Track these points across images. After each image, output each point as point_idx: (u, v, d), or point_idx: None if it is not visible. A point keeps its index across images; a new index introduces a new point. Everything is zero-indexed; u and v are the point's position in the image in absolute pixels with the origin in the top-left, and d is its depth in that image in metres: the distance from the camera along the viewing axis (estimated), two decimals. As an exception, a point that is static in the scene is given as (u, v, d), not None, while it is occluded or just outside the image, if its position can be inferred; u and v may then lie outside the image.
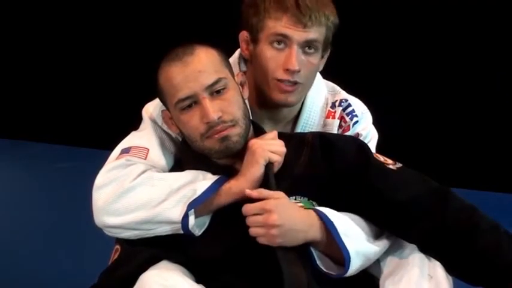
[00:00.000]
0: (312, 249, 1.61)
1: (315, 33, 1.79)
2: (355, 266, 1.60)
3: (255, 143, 1.65)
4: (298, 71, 1.79)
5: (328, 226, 1.60)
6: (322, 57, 1.88)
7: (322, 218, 1.61)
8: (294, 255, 1.58)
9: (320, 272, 1.60)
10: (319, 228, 1.60)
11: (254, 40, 1.83)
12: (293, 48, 1.78)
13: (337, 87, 2.04)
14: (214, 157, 1.68)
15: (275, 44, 1.79)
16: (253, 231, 1.57)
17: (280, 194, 1.60)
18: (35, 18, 5.69)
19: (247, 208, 1.58)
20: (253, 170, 1.62)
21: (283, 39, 1.78)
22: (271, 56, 1.79)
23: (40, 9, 5.65)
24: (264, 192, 1.60)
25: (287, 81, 1.80)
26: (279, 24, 1.77)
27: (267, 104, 1.87)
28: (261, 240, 1.57)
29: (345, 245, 1.59)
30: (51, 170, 4.88)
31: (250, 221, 1.57)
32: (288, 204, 1.61)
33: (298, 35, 1.77)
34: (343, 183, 1.67)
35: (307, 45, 1.80)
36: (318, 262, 1.61)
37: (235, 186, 1.62)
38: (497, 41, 4.39)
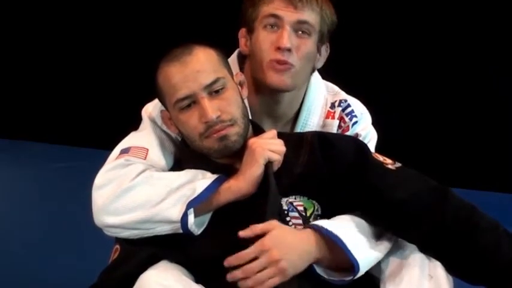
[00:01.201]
0: (315, 265, 1.59)
1: (308, 15, 1.81)
2: (361, 272, 1.59)
3: (255, 142, 1.65)
4: (289, 50, 1.80)
5: (335, 241, 1.56)
6: (319, 51, 1.88)
7: (329, 235, 1.57)
8: None
9: (313, 272, 1.60)
10: (322, 246, 1.58)
11: (250, 31, 1.86)
12: (285, 28, 1.80)
13: (337, 88, 2.04)
14: (213, 156, 1.68)
15: (268, 27, 1.82)
16: (263, 276, 1.51)
17: (272, 224, 1.57)
18: (35, 18, 5.69)
19: (242, 255, 1.53)
20: (252, 169, 1.62)
21: (275, 21, 1.81)
22: (264, 37, 1.82)
23: (40, 9, 5.66)
24: (255, 228, 1.55)
25: (279, 61, 1.80)
26: (271, 6, 1.81)
27: (265, 92, 1.87)
28: (275, 282, 1.52)
29: (354, 257, 1.56)
30: (51, 170, 4.88)
31: (253, 267, 1.52)
32: (283, 232, 1.57)
33: (289, 15, 1.80)
34: (343, 183, 1.67)
35: (300, 28, 1.82)
36: (320, 273, 1.59)
37: (235, 185, 1.62)
38: (498, 40, 4.39)
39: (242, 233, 1.55)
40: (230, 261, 1.54)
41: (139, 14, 5.29)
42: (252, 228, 1.55)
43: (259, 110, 1.90)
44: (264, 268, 1.53)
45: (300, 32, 1.82)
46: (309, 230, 1.60)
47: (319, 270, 1.59)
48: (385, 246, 1.64)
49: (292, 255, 1.55)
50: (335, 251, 1.58)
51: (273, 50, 1.80)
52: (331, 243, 1.57)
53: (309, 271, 1.59)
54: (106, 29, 5.40)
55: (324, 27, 1.86)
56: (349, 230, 1.61)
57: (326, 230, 1.58)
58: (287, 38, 1.79)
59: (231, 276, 1.54)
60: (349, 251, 1.57)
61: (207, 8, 4.95)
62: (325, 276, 1.59)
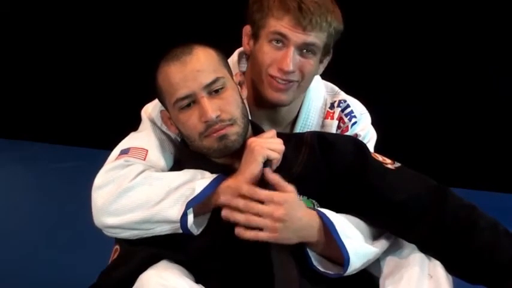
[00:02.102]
0: (309, 251, 1.61)
1: (314, 37, 1.79)
2: (354, 266, 1.60)
3: (254, 141, 1.65)
4: (292, 72, 1.79)
5: (328, 227, 1.60)
6: (321, 61, 1.88)
7: (323, 218, 1.61)
8: (286, 254, 1.58)
9: (316, 272, 1.61)
10: (318, 230, 1.61)
11: (255, 35, 1.84)
12: (290, 49, 1.79)
13: (336, 88, 2.04)
14: (213, 156, 1.69)
15: (274, 43, 1.80)
16: (258, 221, 1.56)
17: (292, 189, 1.60)
18: (35, 19, 5.69)
19: (257, 192, 1.57)
20: (251, 167, 1.62)
21: (281, 39, 1.79)
22: (267, 51, 1.81)
23: (40, 10, 5.65)
24: (278, 179, 1.60)
25: (280, 79, 1.80)
26: (279, 23, 1.78)
27: (264, 103, 1.88)
28: (260, 236, 1.56)
29: (344, 246, 1.58)
30: (51, 170, 4.87)
31: (257, 209, 1.56)
32: (297, 201, 1.61)
33: (297, 36, 1.78)
34: (342, 183, 1.67)
35: (305, 48, 1.80)
36: (315, 263, 1.61)
37: (234, 185, 1.62)
38: (497, 40, 4.39)
39: (267, 171, 1.58)
40: (243, 188, 1.57)
41: (139, 14, 5.29)
42: (276, 176, 1.59)
43: (259, 113, 1.90)
44: (262, 215, 1.55)
45: (305, 51, 1.81)
46: (314, 212, 1.63)
47: (315, 262, 1.61)
48: (382, 243, 1.65)
49: (292, 224, 1.57)
50: (329, 238, 1.59)
51: (274, 67, 1.80)
52: (327, 230, 1.59)
53: (307, 265, 1.60)
54: (106, 29, 5.39)
55: (330, 41, 1.84)
56: (345, 222, 1.63)
57: (324, 215, 1.61)
58: (290, 62, 1.78)
59: (224, 199, 1.58)
60: (339, 238, 1.58)
61: (207, 8, 4.95)
62: (321, 269, 1.60)
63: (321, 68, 1.91)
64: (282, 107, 1.88)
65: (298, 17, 1.77)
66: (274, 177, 1.59)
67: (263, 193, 1.57)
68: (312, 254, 1.61)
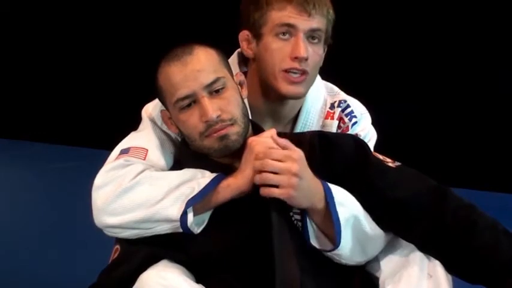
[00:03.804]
0: (309, 224, 1.62)
1: (319, 22, 1.81)
2: (346, 237, 1.61)
3: (254, 140, 1.65)
4: (306, 59, 1.80)
5: (326, 193, 1.61)
6: (324, 50, 1.89)
7: (323, 186, 1.62)
8: (289, 252, 1.58)
9: (316, 265, 1.61)
10: (321, 197, 1.62)
11: (257, 36, 1.84)
12: (299, 37, 1.79)
13: (336, 88, 2.04)
14: (213, 156, 1.69)
15: (280, 36, 1.81)
16: (274, 178, 1.57)
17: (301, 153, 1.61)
18: (35, 19, 5.69)
19: (273, 151, 1.59)
20: (251, 166, 1.62)
21: (288, 30, 1.80)
22: (277, 47, 1.81)
23: (40, 10, 5.66)
24: (290, 144, 1.61)
25: (295, 71, 1.81)
26: (283, 14, 1.79)
27: (273, 99, 1.87)
28: (275, 192, 1.57)
29: (336, 211, 1.60)
30: (51, 170, 4.88)
31: (274, 166, 1.58)
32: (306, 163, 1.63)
33: (303, 23, 1.79)
34: (343, 181, 1.68)
35: (312, 35, 1.82)
36: (312, 240, 1.62)
37: (234, 184, 1.63)
38: (499, 40, 4.39)
39: (275, 138, 1.62)
40: (266, 152, 1.60)
41: (139, 14, 5.29)
42: (287, 142, 1.61)
43: (262, 111, 1.90)
44: (278, 173, 1.57)
45: (311, 39, 1.82)
46: (319, 180, 1.64)
47: (313, 240, 1.62)
48: (378, 231, 1.65)
49: (306, 181, 1.59)
50: (327, 206, 1.61)
51: (288, 59, 1.80)
52: (325, 197, 1.61)
53: (305, 247, 1.62)
54: (106, 29, 5.40)
55: (329, 28, 1.86)
56: (345, 194, 1.65)
57: (325, 183, 1.63)
58: (304, 48, 1.79)
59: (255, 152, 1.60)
60: (333, 204, 1.60)
61: (207, 8, 4.95)
62: (317, 246, 1.62)
63: (322, 59, 1.91)
64: (296, 99, 1.88)
65: (302, 3, 1.78)
66: (283, 142, 1.62)
67: (280, 152, 1.59)
68: (310, 228, 1.62)
